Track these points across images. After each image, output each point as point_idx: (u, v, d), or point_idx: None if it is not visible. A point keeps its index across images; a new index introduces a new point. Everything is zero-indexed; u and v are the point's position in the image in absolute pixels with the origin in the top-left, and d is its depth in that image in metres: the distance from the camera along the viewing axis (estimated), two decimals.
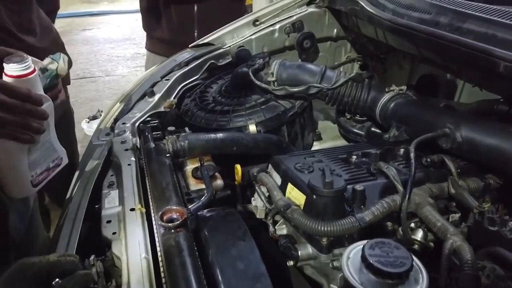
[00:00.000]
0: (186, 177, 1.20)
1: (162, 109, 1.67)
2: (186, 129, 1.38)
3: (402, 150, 1.24)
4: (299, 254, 0.98)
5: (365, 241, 0.82)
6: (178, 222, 0.84)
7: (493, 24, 1.07)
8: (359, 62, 2.31)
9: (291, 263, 1.00)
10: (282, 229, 1.11)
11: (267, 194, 1.12)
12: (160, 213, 0.87)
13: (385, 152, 1.25)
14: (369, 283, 0.78)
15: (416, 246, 0.93)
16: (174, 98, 1.77)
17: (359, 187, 1.00)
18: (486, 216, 0.95)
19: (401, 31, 1.35)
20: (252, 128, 1.50)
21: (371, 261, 0.77)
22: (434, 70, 1.92)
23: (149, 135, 1.30)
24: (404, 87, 1.41)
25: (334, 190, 0.94)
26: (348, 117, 1.62)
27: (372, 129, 1.57)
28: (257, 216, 1.12)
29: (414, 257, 0.81)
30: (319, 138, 1.86)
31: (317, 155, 1.23)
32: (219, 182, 1.18)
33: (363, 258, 0.78)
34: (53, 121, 1.11)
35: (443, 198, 1.06)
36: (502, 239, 0.91)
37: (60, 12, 2.25)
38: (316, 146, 1.84)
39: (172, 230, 0.85)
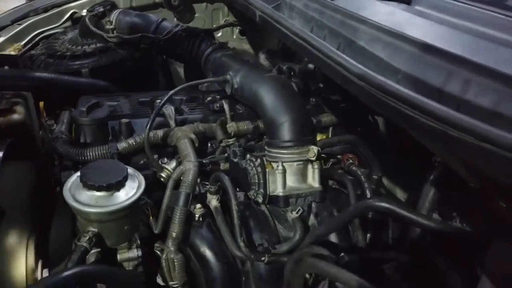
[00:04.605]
0: None
1: (6, 52, 1.66)
2: None
3: (209, 98, 1.32)
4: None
5: None
6: None
7: None
8: (238, 27, 2.37)
9: None
10: None
11: None
12: None
13: (191, 99, 1.33)
14: (85, 198, 0.86)
15: (164, 175, 1.03)
16: (27, 43, 1.76)
17: (124, 120, 1.08)
18: (231, 149, 1.06)
19: None
20: (85, 73, 1.53)
21: (83, 178, 0.85)
22: None
23: None
24: (227, 42, 1.50)
25: (90, 119, 1.01)
26: None
27: None
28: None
29: (130, 169, 0.90)
30: None
31: (120, 98, 1.29)
32: (15, 116, 1.21)
33: (81, 178, 0.86)
34: None
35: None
36: (238, 168, 1.02)
37: None
38: None
39: None
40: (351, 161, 1.14)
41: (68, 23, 1.94)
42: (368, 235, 1.01)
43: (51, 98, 1.42)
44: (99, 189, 0.85)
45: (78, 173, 0.89)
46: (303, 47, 0.88)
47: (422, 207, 0.95)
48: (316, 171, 1.01)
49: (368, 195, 1.02)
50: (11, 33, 1.70)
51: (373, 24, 0.77)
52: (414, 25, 0.76)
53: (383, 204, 0.85)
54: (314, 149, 0.98)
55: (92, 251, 0.87)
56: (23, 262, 1.01)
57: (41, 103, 1.26)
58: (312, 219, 1.04)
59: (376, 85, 0.66)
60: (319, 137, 1.25)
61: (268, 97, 1.04)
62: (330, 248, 0.84)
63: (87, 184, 0.84)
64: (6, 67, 1.44)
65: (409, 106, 0.61)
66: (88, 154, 1.00)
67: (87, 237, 0.85)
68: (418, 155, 1.24)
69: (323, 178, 1.06)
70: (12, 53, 1.67)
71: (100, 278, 0.79)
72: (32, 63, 1.63)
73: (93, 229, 0.87)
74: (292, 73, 1.59)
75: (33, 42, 1.80)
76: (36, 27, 1.82)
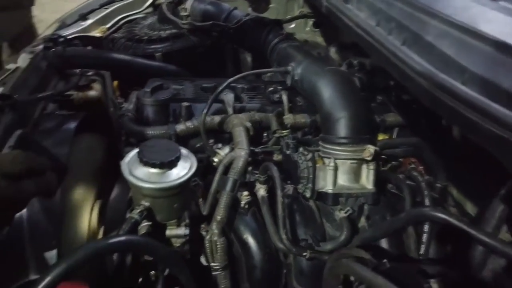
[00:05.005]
0: None
1: (92, 34, 1.81)
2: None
3: (270, 89, 1.32)
4: None
5: None
6: None
7: None
8: (312, 19, 2.33)
9: None
10: None
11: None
12: None
13: (253, 88, 1.34)
14: (140, 173, 0.91)
15: (216, 159, 1.04)
16: (111, 27, 1.90)
17: (185, 103, 1.12)
18: (285, 141, 1.05)
19: None
20: (158, 57, 1.61)
21: (139, 155, 0.89)
22: None
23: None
24: (295, 33, 1.48)
25: (153, 100, 1.07)
26: None
27: None
28: None
29: (185, 150, 0.93)
30: None
31: (186, 83, 1.34)
32: (92, 92, 1.31)
33: (138, 154, 0.91)
34: None
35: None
36: (290, 160, 1.01)
37: None
38: None
39: None
40: (413, 165, 1.07)
41: (150, 9, 2.06)
42: (423, 246, 0.94)
43: (126, 78, 1.52)
44: (152, 166, 0.89)
45: (137, 149, 0.94)
46: (364, 40, 0.84)
47: (487, 223, 0.86)
48: (371, 172, 0.96)
49: (427, 204, 0.95)
50: (98, 17, 1.85)
51: (443, 18, 0.71)
52: (491, 21, 0.68)
53: (439, 214, 0.78)
54: (371, 149, 0.93)
55: (144, 224, 0.92)
56: (86, 222, 1.09)
57: (115, 82, 1.35)
58: (362, 221, 1.00)
59: (437, 84, 0.61)
60: (381, 137, 1.19)
61: (326, 90, 1.01)
62: (375, 253, 0.80)
63: (143, 160, 0.89)
64: (89, 47, 1.56)
65: (471, 108, 0.55)
66: (148, 132, 1.05)
67: (139, 210, 0.90)
68: (493, 166, 1.12)
69: (380, 181, 1.01)
70: (98, 35, 1.82)
71: (145, 250, 0.84)
72: (114, 45, 1.76)
73: (145, 203, 0.92)
74: (359, 68, 1.52)
75: (117, 25, 1.94)
76: (120, 12, 1.95)
